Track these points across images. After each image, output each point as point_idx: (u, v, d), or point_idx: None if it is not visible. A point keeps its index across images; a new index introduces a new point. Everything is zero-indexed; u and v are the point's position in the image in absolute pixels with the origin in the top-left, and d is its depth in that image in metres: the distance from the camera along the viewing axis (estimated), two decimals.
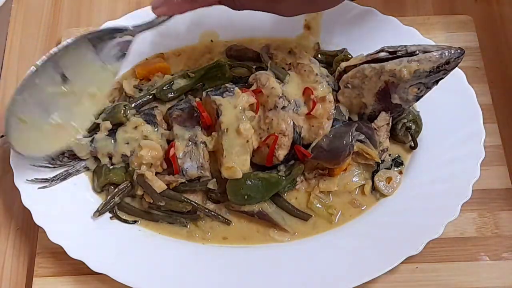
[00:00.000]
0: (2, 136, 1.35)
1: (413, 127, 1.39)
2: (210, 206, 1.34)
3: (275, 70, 1.37)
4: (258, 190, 1.29)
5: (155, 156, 1.31)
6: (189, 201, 1.32)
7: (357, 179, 1.36)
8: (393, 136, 1.39)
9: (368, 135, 1.32)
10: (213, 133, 1.33)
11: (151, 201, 1.31)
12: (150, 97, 1.43)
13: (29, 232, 1.38)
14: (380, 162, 1.36)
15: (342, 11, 1.51)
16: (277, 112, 1.31)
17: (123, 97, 1.45)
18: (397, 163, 1.39)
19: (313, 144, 1.31)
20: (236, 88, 1.34)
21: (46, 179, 1.33)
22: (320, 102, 1.31)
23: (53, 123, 1.28)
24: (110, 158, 1.36)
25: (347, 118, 1.35)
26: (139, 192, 1.32)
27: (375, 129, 1.33)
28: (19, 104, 1.23)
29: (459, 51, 1.23)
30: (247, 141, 1.29)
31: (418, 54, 1.24)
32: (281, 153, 1.31)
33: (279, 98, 1.32)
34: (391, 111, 1.33)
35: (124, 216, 1.33)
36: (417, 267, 1.30)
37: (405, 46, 1.27)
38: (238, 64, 1.48)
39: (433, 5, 1.66)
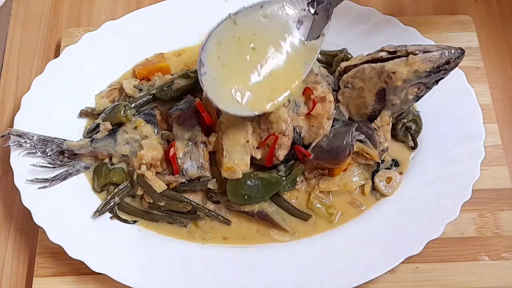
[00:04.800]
0: (3, 135, 1.35)
1: (413, 127, 1.39)
2: (210, 206, 1.34)
3: None
4: (258, 190, 1.29)
5: (155, 156, 1.31)
6: (189, 201, 1.32)
7: (357, 179, 1.36)
8: (393, 136, 1.39)
9: (368, 135, 1.32)
10: (213, 133, 1.33)
11: (151, 201, 1.32)
12: (150, 97, 1.43)
13: (29, 232, 1.38)
14: (380, 162, 1.36)
15: (342, 11, 1.51)
16: (277, 112, 1.31)
17: (123, 97, 1.45)
18: (397, 163, 1.39)
19: (313, 144, 1.31)
20: None
21: (46, 179, 1.33)
22: (320, 102, 1.31)
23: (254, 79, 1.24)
24: (110, 158, 1.36)
25: (347, 118, 1.35)
26: (139, 192, 1.32)
27: (375, 129, 1.33)
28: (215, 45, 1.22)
29: (459, 51, 1.23)
30: (247, 141, 1.29)
31: (418, 54, 1.24)
32: (281, 153, 1.31)
33: None
34: (392, 110, 1.33)
35: (124, 216, 1.33)
36: (417, 267, 1.30)
37: (405, 46, 1.27)
38: None
39: (433, 5, 1.66)
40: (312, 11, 1.29)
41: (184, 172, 1.31)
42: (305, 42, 1.27)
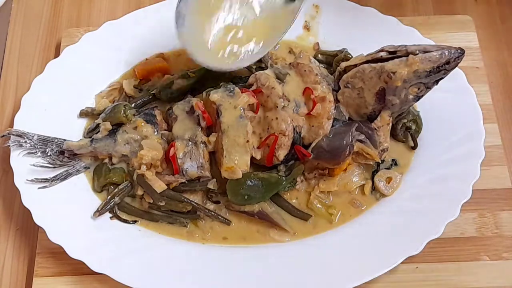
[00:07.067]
0: (3, 135, 1.35)
1: (413, 127, 1.39)
2: (210, 206, 1.34)
3: (275, 70, 1.38)
4: (258, 190, 1.29)
5: (155, 156, 1.31)
6: (189, 201, 1.32)
7: (357, 179, 1.36)
8: (393, 136, 1.39)
9: (368, 135, 1.32)
10: (213, 133, 1.33)
11: (151, 201, 1.32)
12: (150, 97, 1.43)
13: (29, 232, 1.38)
14: (380, 162, 1.36)
15: (342, 11, 1.52)
16: (277, 112, 1.31)
17: (123, 97, 1.45)
18: (397, 163, 1.38)
19: (313, 144, 1.31)
20: (236, 88, 1.34)
21: (46, 179, 1.33)
22: (320, 102, 1.31)
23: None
24: (110, 158, 1.36)
25: (347, 118, 1.35)
26: (139, 192, 1.32)
27: (375, 129, 1.33)
28: None
29: (459, 51, 1.23)
30: (247, 141, 1.29)
31: (418, 54, 1.24)
32: (281, 153, 1.31)
33: (279, 98, 1.32)
34: (392, 110, 1.33)
35: (124, 216, 1.33)
36: (417, 267, 1.30)
37: (405, 46, 1.27)
38: None
39: (433, 5, 1.66)
40: None
41: (184, 172, 1.31)
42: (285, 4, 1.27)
